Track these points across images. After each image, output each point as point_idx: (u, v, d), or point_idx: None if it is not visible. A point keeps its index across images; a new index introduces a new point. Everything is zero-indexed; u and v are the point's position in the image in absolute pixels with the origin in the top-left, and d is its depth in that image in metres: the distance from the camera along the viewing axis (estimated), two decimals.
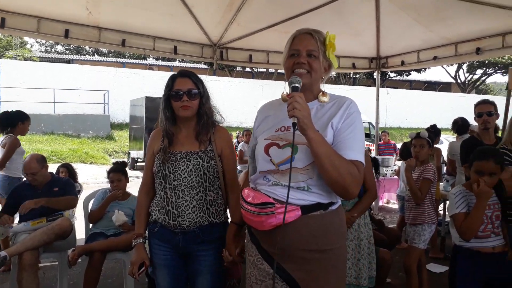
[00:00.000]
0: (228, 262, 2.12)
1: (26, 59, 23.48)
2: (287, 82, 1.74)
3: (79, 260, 3.41)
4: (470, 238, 2.51)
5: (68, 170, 4.99)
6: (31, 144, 15.82)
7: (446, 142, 11.80)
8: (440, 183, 5.60)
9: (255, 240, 1.82)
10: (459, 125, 5.30)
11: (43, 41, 34.62)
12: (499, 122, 4.62)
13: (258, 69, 27.67)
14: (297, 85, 1.68)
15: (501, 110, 4.31)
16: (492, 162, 2.49)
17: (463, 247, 2.60)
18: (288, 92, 1.71)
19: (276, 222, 1.66)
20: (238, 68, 28.63)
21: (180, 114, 2.19)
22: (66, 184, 3.88)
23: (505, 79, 33.98)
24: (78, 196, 4.98)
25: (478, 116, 3.80)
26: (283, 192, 1.66)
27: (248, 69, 29.45)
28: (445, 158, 5.65)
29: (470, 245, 2.55)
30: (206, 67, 25.83)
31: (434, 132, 5.45)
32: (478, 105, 3.86)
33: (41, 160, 3.73)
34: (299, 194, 1.69)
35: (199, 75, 2.31)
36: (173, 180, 2.13)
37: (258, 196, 1.73)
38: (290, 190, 1.64)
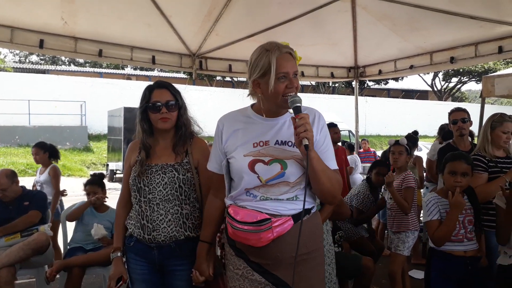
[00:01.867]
0: (197, 283, 2.02)
1: None
2: (287, 102, 1.72)
3: (57, 276, 3.32)
4: (442, 245, 2.61)
5: (47, 151, 4.93)
6: (5, 157, 15.43)
7: (424, 149, 12.02)
8: (421, 190, 5.68)
9: (243, 255, 1.82)
10: (446, 131, 5.42)
11: (17, 51, 33.94)
12: (475, 129, 4.74)
13: (238, 78, 27.72)
14: (299, 104, 1.70)
15: (476, 117, 4.43)
16: (464, 162, 2.63)
17: (436, 249, 2.67)
18: (289, 102, 1.71)
19: (273, 236, 1.70)
20: (218, 78, 28.62)
21: (159, 127, 2.15)
22: (36, 197, 3.78)
23: (479, 86, 34.95)
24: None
25: (453, 123, 3.90)
26: (274, 205, 1.74)
27: (228, 79, 29.49)
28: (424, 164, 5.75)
29: (443, 247, 2.63)
30: (186, 76, 25.74)
31: (414, 138, 5.55)
32: (452, 112, 3.97)
33: (11, 175, 3.63)
34: (289, 205, 1.76)
35: (178, 85, 2.29)
36: (148, 193, 2.09)
37: (251, 214, 1.73)
38: (281, 203, 1.75)
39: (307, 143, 1.60)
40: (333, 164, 1.80)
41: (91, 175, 4.02)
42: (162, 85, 2.19)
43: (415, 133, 5.71)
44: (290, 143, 1.77)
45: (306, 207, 1.74)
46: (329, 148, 1.82)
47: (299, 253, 1.71)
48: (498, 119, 3.09)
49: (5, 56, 32.17)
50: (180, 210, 2.11)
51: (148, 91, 2.17)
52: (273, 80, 1.72)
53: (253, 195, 1.77)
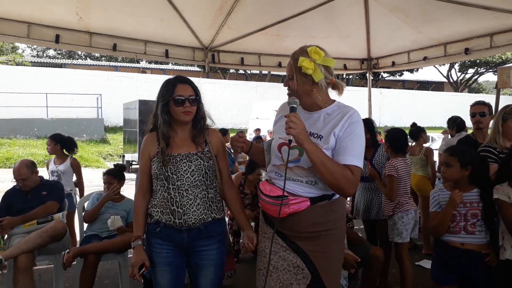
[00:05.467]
0: (250, 250, 2.32)
1: (17, 64, 23.38)
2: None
3: (74, 262, 3.44)
4: (437, 236, 2.71)
5: (59, 142, 5.05)
6: (24, 148, 15.78)
7: (439, 140, 11.90)
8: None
9: (270, 223, 2.15)
10: (458, 122, 5.39)
11: (35, 46, 34.46)
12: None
13: (251, 71, 27.71)
14: (294, 105, 1.98)
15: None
16: (447, 154, 2.70)
17: (438, 238, 2.76)
18: (287, 102, 2.05)
19: (289, 211, 1.99)
20: (231, 70, 28.66)
21: (182, 119, 2.28)
22: (54, 187, 3.88)
23: (496, 78, 34.35)
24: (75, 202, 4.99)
25: (472, 116, 3.95)
26: (293, 186, 2.02)
27: (241, 71, 29.49)
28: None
29: (442, 237, 2.70)
30: (200, 69, 25.83)
31: (417, 131, 5.52)
32: (473, 105, 4.02)
33: (31, 166, 3.74)
34: (307, 188, 2.02)
35: (192, 78, 2.43)
36: (176, 180, 2.23)
37: (274, 190, 2.04)
38: (300, 185, 2.01)
39: (291, 139, 1.88)
40: (348, 160, 1.93)
41: (114, 165, 4.11)
42: (184, 80, 2.33)
43: (413, 125, 5.71)
44: (316, 135, 2.01)
45: (325, 193, 2.02)
46: (350, 144, 1.95)
47: (314, 229, 2.02)
48: (510, 111, 3.09)
49: (23, 51, 32.71)
50: (207, 194, 2.29)
51: (172, 86, 2.28)
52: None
53: (279, 174, 2.08)
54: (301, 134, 1.87)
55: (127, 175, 4.39)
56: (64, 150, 5.11)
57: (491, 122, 3.98)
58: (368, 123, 4.09)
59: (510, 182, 2.60)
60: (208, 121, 2.42)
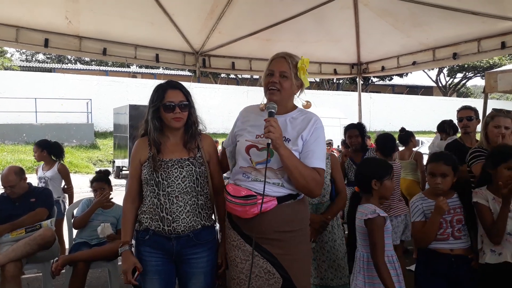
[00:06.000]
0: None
1: (6, 68, 23.15)
2: (264, 98, 2.19)
3: (63, 270, 3.39)
4: (424, 246, 2.65)
5: (46, 149, 4.96)
6: (13, 154, 15.59)
7: (428, 144, 12.00)
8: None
9: (237, 228, 2.17)
10: (452, 125, 5.45)
11: (24, 50, 34.13)
12: (479, 125, 4.77)
13: (243, 75, 27.75)
14: (272, 110, 2.04)
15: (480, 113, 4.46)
16: (442, 164, 2.60)
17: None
18: (265, 106, 2.10)
19: (257, 211, 2.03)
20: (222, 75, 28.67)
21: (172, 125, 2.25)
22: (42, 194, 3.83)
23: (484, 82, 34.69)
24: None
25: (459, 121, 4.03)
26: (261, 186, 2.03)
27: (232, 76, 29.51)
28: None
29: (429, 245, 2.63)
30: (191, 74, 25.81)
31: (405, 136, 5.54)
32: (460, 110, 4.11)
33: (19, 172, 3.69)
34: (275, 188, 2.08)
35: (183, 83, 2.41)
36: (166, 186, 2.19)
37: (240, 190, 2.08)
38: (268, 186, 2.03)
39: (269, 142, 1.96)
40: (315, 163, 2.06)
41: (96, 172, 4.07)
42: (175, 86, 2.30)
43: (402, 130, 5.74)
44: (283, 138, 2.06)
45: (291, 193, 2.10)
46: (315, 148, 2.09)
47: (282, 230, 2.08)
48: (490, 115, 3.16)
49: (12, 55, 32.40)
50: (197, 201, 2.26)
51: (162, 91, 2.25)
52: (264, 76, 2.19)
53: (247, 176, 2.12)
54: (278, 139, 1.96)
55: (117, 181, 4.35)
56: (52, 156, 5.04)
57: (479, 126, 4.07)
58: (360, 128, 4.10)
59: (489, 185, 2.62)
60: (200, 126, 2.40)
